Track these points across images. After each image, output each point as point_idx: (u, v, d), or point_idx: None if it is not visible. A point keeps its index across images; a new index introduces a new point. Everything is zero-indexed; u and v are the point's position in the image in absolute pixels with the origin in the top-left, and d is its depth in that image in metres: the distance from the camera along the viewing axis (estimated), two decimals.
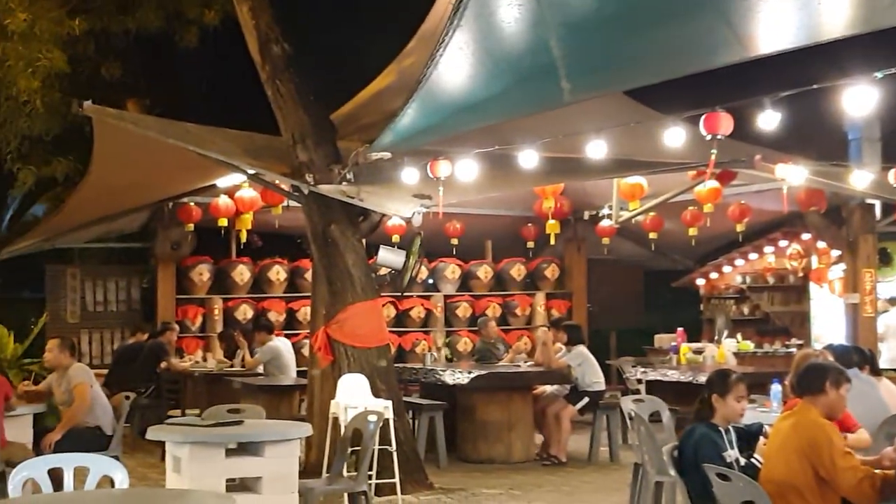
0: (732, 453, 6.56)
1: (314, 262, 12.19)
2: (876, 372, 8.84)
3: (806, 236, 18.22)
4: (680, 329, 16.45)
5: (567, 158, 11.88)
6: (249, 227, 15.02)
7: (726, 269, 21.39)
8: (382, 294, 12.74)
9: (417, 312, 18.06)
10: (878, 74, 7.61)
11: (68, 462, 6.13)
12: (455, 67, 7.94)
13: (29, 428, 10.29)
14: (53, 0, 14.71)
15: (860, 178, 12.70)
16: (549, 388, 13.53)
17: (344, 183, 10.82)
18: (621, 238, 17.50)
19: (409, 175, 11.00)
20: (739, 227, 15.01)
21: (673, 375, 13.86)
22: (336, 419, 10.58)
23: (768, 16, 6.96)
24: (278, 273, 17.51)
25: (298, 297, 17.37)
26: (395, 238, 14.42)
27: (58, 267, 17.94)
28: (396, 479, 10.40)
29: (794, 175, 12.10)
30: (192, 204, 15.54)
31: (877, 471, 5.92)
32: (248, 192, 13.84)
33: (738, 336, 18.08)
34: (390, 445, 10.41)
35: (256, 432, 8.28)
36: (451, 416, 13.09)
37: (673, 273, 22.09)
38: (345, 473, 9.08)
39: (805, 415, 6.20)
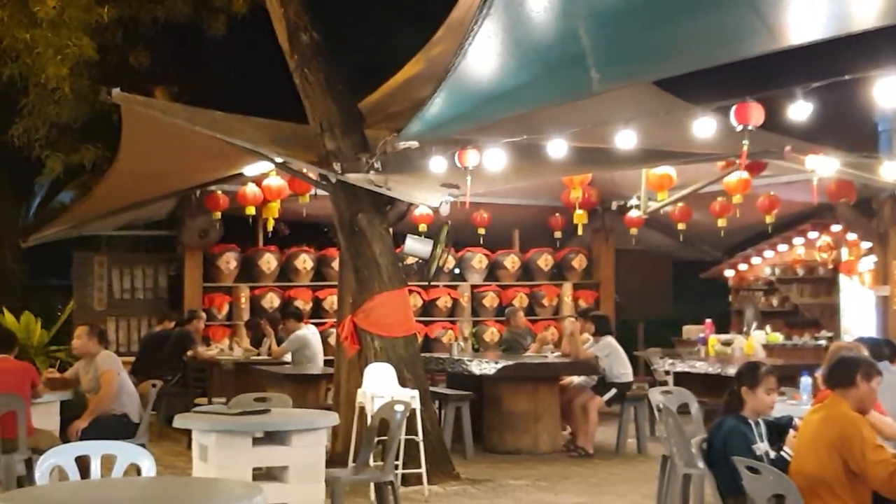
0: (762, 446, 6.52)
1: (341, 251, 12.18)
2: None
3: (836, 228, 18.11)
4: (708, 320, 16.36)
5: (595, 148, 11.84)
6: (277, 215, 15.04)
7: (755, 260, 21.30)
8: (409, 283, 12.72)
9: (444, 302, 18.04)
10: None
11: (95, 450, 6.13)
12: (484, 56, 7.90)
13: (56, 415, 10.32)
14: None
15: (891, 170, 12.60)
16: (576, 379, 13.49)
17: (371, 172, 10.80)
18: (649, 228, 17.43)
19: (437, 164, 10.98)
20: (769, 219, 14.91)
21: (701, 367, 13.80)
22: (363, 408, 10.58)
23: (798, 6, 6.91)
24: (305, 262, 17.53)
25: (325, 286, 17.37)
26: (423, 227, 14.39)
27: (85, 254, 17.99)
28: (423, 470, 10.40)
29: (824, 166, 12.02)
30: (219, 192, 15.56)
31: None
32: (276, 181, 13.84)
33: (767, 328, 17.98)
34: (417, 435, 10.39)
35: (283, 421, 8.27)
36: (477, 407, 13.07)
37: (702, 264, 22.01)
38: (371, 463, 9.07)
39: (836, 408, 6.15)
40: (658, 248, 19.57)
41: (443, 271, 16.72)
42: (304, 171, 12.08)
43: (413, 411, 10.15)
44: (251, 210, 14.64)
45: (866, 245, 16.49)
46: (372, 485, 9.29)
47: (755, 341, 15.22)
